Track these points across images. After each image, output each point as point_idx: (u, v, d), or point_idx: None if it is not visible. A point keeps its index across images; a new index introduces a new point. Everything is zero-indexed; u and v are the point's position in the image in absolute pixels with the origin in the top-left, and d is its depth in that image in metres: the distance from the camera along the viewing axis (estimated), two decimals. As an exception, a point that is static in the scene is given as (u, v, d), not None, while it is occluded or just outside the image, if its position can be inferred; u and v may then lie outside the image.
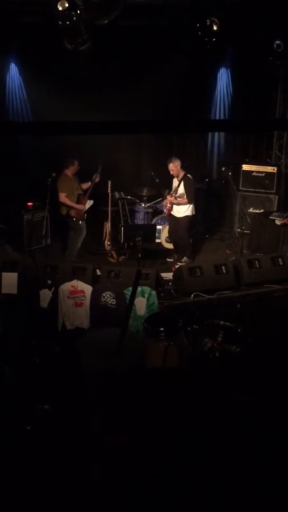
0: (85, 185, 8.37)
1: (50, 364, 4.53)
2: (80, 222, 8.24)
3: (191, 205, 8.34)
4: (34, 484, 3.49)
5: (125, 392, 3.69)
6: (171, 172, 8.35)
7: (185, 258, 8.52)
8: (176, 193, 8.30)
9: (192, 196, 8.27)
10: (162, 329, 5.37)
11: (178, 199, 8.27)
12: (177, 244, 8.68)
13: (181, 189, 8.24)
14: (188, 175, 8.32)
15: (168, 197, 8.41)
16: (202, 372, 5.06)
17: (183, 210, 8.35)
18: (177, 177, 8.32)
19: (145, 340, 5.45)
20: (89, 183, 8.35)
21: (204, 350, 5.18)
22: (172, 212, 8.44)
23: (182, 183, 8.21)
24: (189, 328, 5.41)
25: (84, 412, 4.08)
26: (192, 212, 8.42)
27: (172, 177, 8.44)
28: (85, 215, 8.27)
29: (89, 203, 8.29)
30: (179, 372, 5.11)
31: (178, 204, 8.32)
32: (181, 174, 8.28)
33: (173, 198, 8.31)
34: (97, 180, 8.32)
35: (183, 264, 8.21)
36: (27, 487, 3.52)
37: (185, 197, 8.22)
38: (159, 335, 5.35)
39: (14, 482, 3.60)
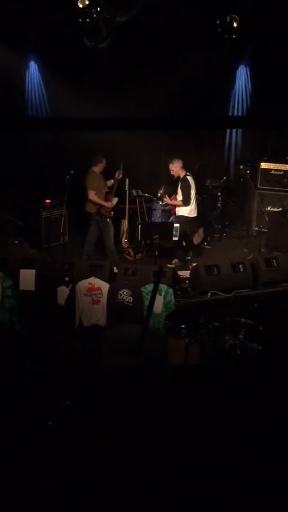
0: (109, 183, 8.39)
1: (71, 360, 4.54)
2: (108, 219, 8.26)
3: (191, 207, 8.32)
4: (51, 480, 3.52)
5: (145, 389, 3.70)
6: (171, 173, 8.43)
7: (175, 260, 8.39)
8: (177, 194, 8.32)
9: (186, 198, 8.22)
10: (183, 326, 5.38)
11: (177, 200, 8.32)
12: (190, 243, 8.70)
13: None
14: (188, 176, 8.30)
15: (164, 198, 8.60)
16: (223, 369, 5.05)
17: (180, 209, 8.39)
18: (178, 177, 8.34)
19: (166, 337, 5.46)
20: (112, 180, 8.35)
21: (226, 348, 5.17)
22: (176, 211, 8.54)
23: (179, 184, 8.22)
24: (210, 326, 5.40)
25: (104, 409, 4.10)
26: (191, 214, 8.38)
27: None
28: (112, 212, 8.29)
29: (115, 200, 8.32)
30: (200, 369, 5.11)
31: (174, 205, 8.40)
32: (182, 174, 8.28)
33: (168, 198, 8.47)
34: (120, 177, 8.32)
35: (172, 266, 8.04)
36: (43, 482, 3.55)
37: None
38: (180, 332, 5.35)
39: (31, 475, 3.64)
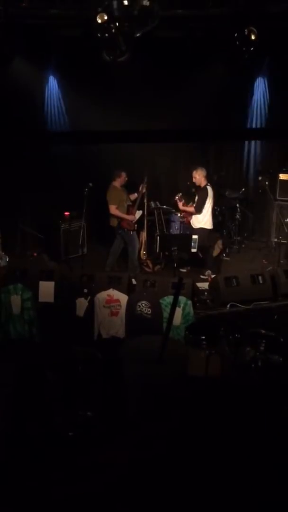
0: (132, 196, 8.43)
1: (92, 371, 4.54)
2: (132, 232, 8.29)
3: (207, 218, 8.30)
4: (72, 489, 3.51)
5: (166, 399, 3.67)
6: (193, 180, 8.41)
7: (208, 272, 8.28)
8: (194, 202, 8.34)
9: (199, 206, 8.20)
10: (204, 337, 5.37)
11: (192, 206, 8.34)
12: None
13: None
14: (208, 186, 8.29)
15: (178, 202, 8.52)
16: (244, 381, 5.02)
17: (197, 222, 8.34)
18: (199, 186, 8.35)
19: (187, 348, 5.45)
20: (135, 194, 8.40)
21: (246, 360, 5.13)
22: (191, 222, 8.47)
23: (197, 192, 8.24)
24: (230, 337, 5.37)
25: (126, 419, 4.08)
26: (207, 225, 8.34)
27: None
28: (136, 225, 8.32)
29: (138, 214, 8.35)
30: (221, 381, 5.09)
31: (185, 211, 8.41)
32: (203, 183, 8.27)
33: (181, 204, 8.43)
34: (144, 190, 8.35)
35: (205, 277, 8.05)
36: (65, 491, 3.54)
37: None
38: (201, 343, 5.34)
39: (51, 485, 3.62)
